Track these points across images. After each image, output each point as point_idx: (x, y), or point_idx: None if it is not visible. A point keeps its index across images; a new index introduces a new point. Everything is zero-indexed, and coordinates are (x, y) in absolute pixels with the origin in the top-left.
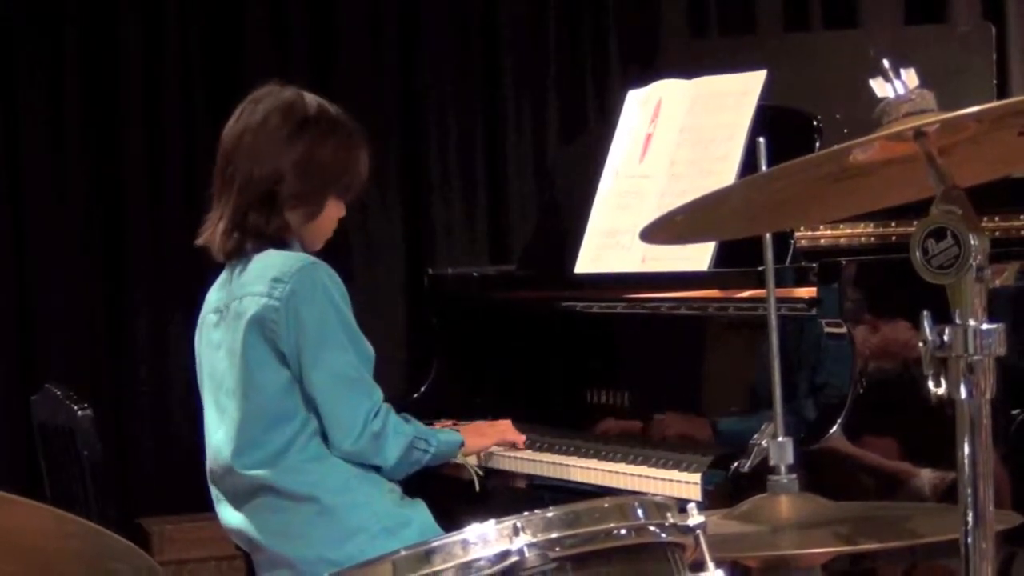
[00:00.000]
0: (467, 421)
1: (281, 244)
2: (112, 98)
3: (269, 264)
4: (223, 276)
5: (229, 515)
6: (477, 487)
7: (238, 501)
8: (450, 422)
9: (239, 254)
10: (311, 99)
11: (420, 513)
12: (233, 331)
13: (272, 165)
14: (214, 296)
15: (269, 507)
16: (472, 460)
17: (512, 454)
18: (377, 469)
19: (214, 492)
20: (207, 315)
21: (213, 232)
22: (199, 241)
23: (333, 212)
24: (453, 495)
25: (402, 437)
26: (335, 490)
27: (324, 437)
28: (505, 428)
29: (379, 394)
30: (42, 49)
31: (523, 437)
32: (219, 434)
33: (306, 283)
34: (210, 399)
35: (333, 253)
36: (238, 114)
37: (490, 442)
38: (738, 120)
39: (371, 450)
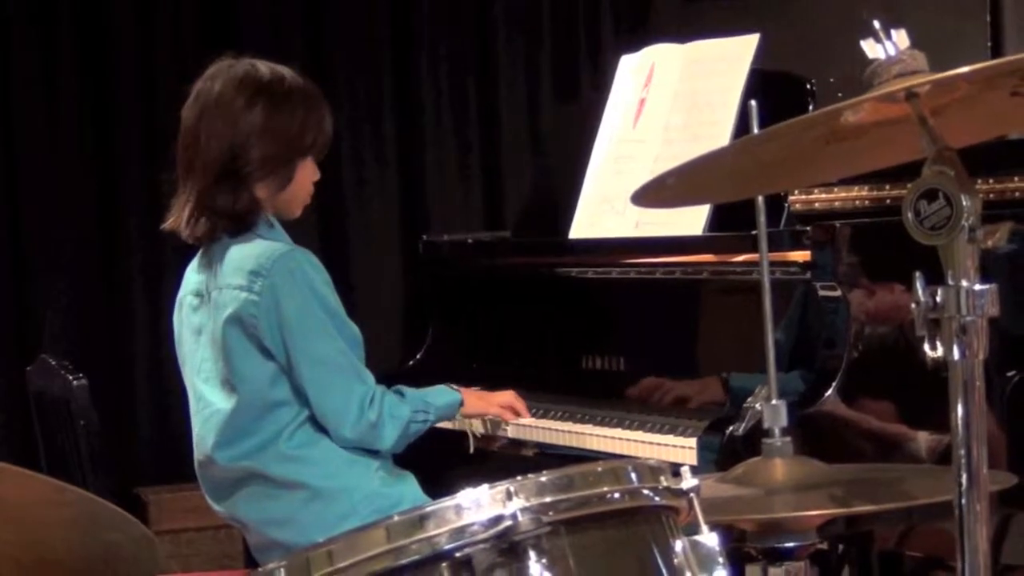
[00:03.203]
0: (464, 387)
1: (253, 224)
2: (106, 70)
3: (247, 255)
4: (201, 258)
5: (217, 505)
6: (471, 448)
7: (225, 491)
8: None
9: (211, 238)
10: (264, 67)
11: (410, 490)
12: (214, 321)
13: (231, 138)
14: (194, 277)
15: (258, 494)
16: (478, 425)
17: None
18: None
19: (201, 481)
20: (186, 296)
21: (179, 217)
22: (165, 226)
23: (306, 176)
24: (447, 460)
25: (398, 420)
26: (324, 475)
27: (314, 424)
28: (509, 398)
29: (371, 378)
30: (37, 21)
31: (525, 410)
32: (197, 424)
33: (284, 274)
34: (188, 382)
35: (327, 220)
36: (195, 94)
37: (489, 409)
38: (731, 84)
39: (369, 437)
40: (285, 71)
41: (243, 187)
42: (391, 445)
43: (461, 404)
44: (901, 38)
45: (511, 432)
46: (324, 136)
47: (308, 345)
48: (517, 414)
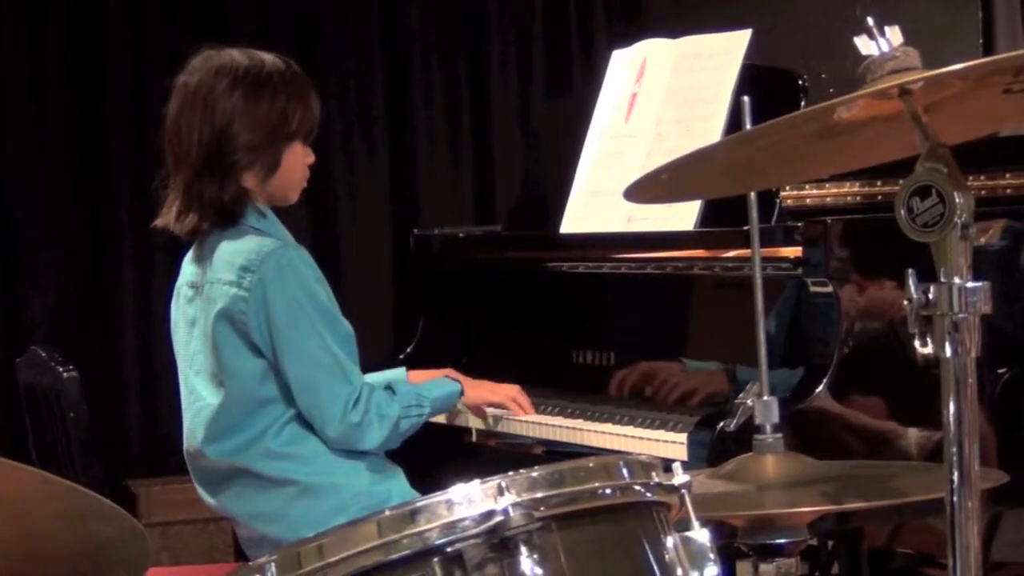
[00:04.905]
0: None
1: (241, 215)
2: (97, 65)
3: (237, 250)
4: (196, 249)
5: (207, 496)
6: (474, 438)
7: (215, 483)
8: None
9: (200, 232)
10: (242, 55)
11: (399, 487)
12: (205, 315)
13: (211, 128)
14: (189, 268)
15: (248, 489)
16: (478, 420)
17: (499, 414)
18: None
19: (191, 471)
20: (182, 287)
21: (169, 214)
22: (157, 223)
23: (294, 160)
24: (438, 455)
25: (386, 420)
26: (313, 472)
27: (301, 422)
28: (512, 391)
29: (358, 378)
30: (26, 18)
31: (530, 407)
32: (188, 416)
33: (274, 270)
34: (181, 373)
35: (318, 214)
36: (176, 89)
37: (493, 398)
38: (723, 79)
39: (353, 438)
40: (266, 57)
41: (229, 177)
42: (378, 445)
43: (461, 394)
44: (894, 35)
45: (501, 427)
46: (310, 119)
47: (294, 343)
48: (522, 409)
